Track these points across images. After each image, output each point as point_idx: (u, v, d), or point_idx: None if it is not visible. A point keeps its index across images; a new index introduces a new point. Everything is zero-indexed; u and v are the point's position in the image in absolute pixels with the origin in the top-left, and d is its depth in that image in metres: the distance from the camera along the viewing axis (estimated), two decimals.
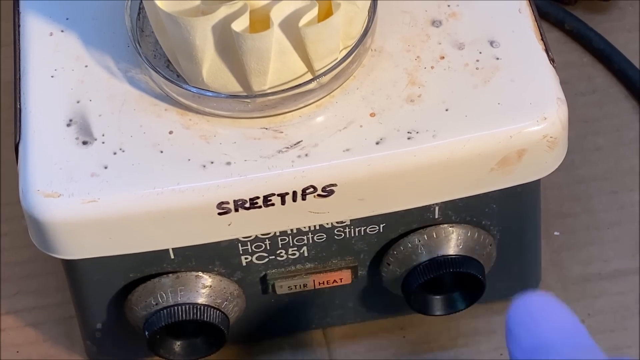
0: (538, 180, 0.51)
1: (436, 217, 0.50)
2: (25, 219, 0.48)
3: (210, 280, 0.51)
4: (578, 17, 0.65)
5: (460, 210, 0.50)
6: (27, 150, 0.48)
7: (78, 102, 0.49)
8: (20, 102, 0.49)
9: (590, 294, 0.57)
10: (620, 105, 0.63)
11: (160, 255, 0.49)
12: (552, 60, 0.50)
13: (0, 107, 0.63)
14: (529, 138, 0.48)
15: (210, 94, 0.47)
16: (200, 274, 0.50)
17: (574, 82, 0.63)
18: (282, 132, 0.47)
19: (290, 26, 0.45)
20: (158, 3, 0.45)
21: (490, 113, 0.48)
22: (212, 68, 0.46)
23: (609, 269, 0.58)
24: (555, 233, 0.59)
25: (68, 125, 0.48)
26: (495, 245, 0.52)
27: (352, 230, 0.50)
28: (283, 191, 0.47)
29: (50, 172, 0.47)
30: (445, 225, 0.51)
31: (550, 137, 0.48)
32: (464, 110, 0.48)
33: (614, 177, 0.61)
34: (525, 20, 0.50)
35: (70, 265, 0.50)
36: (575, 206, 0.60)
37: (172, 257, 0.49)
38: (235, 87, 0.47)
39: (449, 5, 0.51)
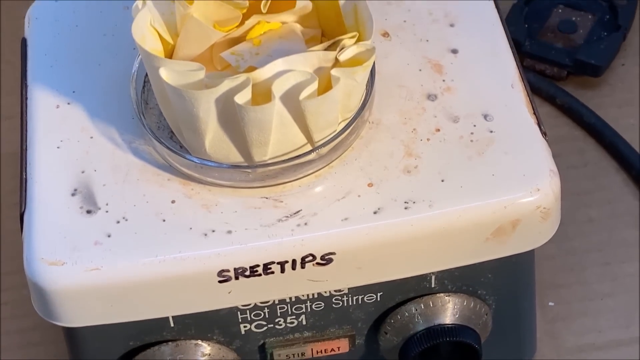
0: (532, 251, 0.52)
1: (432, 286, 0.51)
2: (29, 287, 0.48)
3: (209, 348, 0.51)
4: (569, 93, 0.66)
5: (456, 280, 0.51)
6: (32, 219, 0.49)
7: (83, 172, 0.50)
8: (26, 172, 0.50)
9: None
10: (611, 178, 0.64)
11: (160, 323, 0.50)
12: (544, 134, 0.51)
13: (0, 178, 0.64)
14: (523, 209, 0.49)
15: (212, 164, 0.48)
16: (199, 342, 0.51)
17: (566, 156, 0.64)
18: (282, 202, 0.48)
19: (291, 99, 0.46)
20: (163, 76, 0.46)
21: (484, 184, 0.49)
22: (214, 139, 0.47)
23: (603, 340, 0.59)
24: (550, 304, 0.60)
25: (73, 194, 0.49)
26: (491, 315, 0.53)
27: (350, 298, 0.51)
28: (283, 259, 0.48)
29: (54, 241, 0.48)
30: (442, 294, 0.51)
31: (544, 208, 0.49)
32: (460, 181, 0.49)
33: (606, 249, 0.62)
34: (517, 95, 0.52)
35: (72, 333, 0.51)
36: (569, 277, 0.61)
37: (172, 325, 0.50)
38: (236, 158, 0.48)
39: (443, 80, 0.52)
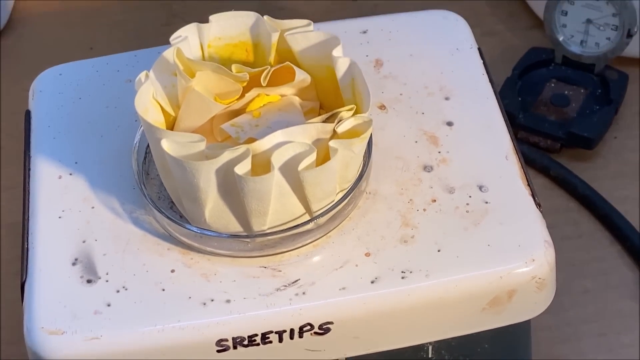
0: (528, 321, 0.52)
1: (430, 355, 0.51)
2: (29, 356, 0.49)
3: None
4: (563, 165, 0.67)
5: (453, 350, 0.51)
6: (33, 288, 0.49)
7: (84, 241, 0.50)
8: (27, 241, 0.51)
9: None
10: (605, 250, 0.65)
11: None
12: (538, 205, 0.52)
13: (1, 248, 0.64)
14: (518, 279, 0.49)
15: (211, 233, 0.49)
16: None
17: (560, 227, 0.65)
18: (280, 271, 0.49)
19: (289, 170, 0.47)
20: (165, 147, 0.47)
21: (480, 254, 0.49)
22: (214, 209, 0.48)
23: None
24: None
25: (73, 264, 0.50)
26: None
27: None
28: (281, 329, 0.48)
29: (54, 310, 0.48)
30: None
31: (539, 278, 0.50)
32: (456, 251, 0.49)
33: (602, 320, 0.62)
34: (512, 167, 0.53)
35: None
36: (565, 348, 0.61)
37: None
38: (235, 227, 0.49)
39: (439, 152, 0.53)
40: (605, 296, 0.63)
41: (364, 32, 0.59)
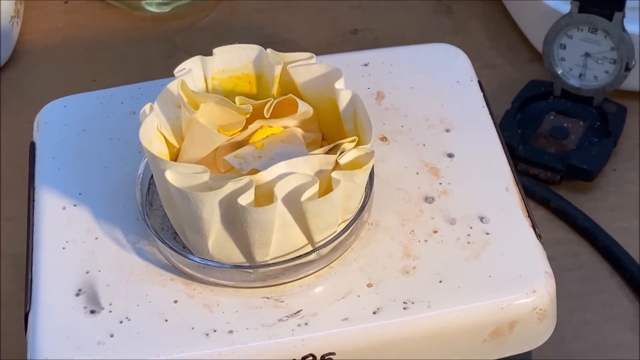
0: (529, 352, 0.52)
1: None
2: None
3: None
4: (563, 197, 0.67)
5: None
6: (37, 319, 0.49)
7: (87, 272, 0.50)
8: (31, 272, 0.51)
9: None
10: (606, 281, 0.65)
11: None
12: (539, 236, 0.52)
13: (1, 278, 0.64)
14: (520, 310, 0.50)
15: (214, 264, 0.49)
16: None
17: (560, 259, 0.65)
18: (282, 302, 0.49)
19: (292, 200, 0.47)
20: (169, 178, 0.47)
21: (481, 285, 0.50)
22: (217, 240, 0.48)
23: None
24: None
25: (77, 295, 0.50)
26: None
27: None
28: (283, 359, 0.48)
29: (58, 341, 0.48)
30: None
31: (540, 309, 0.50)
32: (457, 282, 0.50)
33: (603, 352, 0.62)
34: (512, 198, 0.53)
35: None
36: None
37: None
38: (238, 258, 0.49)
39: (440, 183, 0.54)
40: (606, 328, 0.63)
41: (366, 64, 0.59)
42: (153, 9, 0.79)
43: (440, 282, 0.50)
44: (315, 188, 0.47)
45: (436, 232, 0.52)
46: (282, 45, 0.76)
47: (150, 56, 0.77)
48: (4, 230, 0.66)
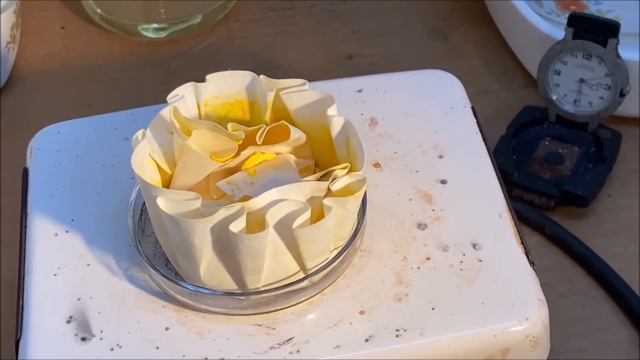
0: None
1: None
2: None
3: None
4: (557, 223, 0.67)
5: None
6: (27, 346, 0.49)
7: (79, 299, 0.50)
8: (22, 299, 0.51)
9: None
10: (600, 307, 0.65)
11: None
12: (532, 263, 0.52)
13: (0, 304, 0.64)
14: (512, 337, 0.49)
15: (206, 291, 0.49)
16: None
17: (555, 285, 0.65)
18: (274, 329, 0.49)
19: (284, 227, 0.47)
20: (160, 205, 0.47)
21: (474, 312, 0.50)
22: (209, 266, 0.48)
23: None
24: None
25: (68, 322, 0.50)
26: None
27: None
28: None
29: None
30: None
31: (533, 337, 0.50)
32: (450, 310, 0.50)
33: None
34: (505, 225, 0.53)
35: None
36: None
37: None
38: (230, 285, 0.49)
39: (433, 210, 0.54)
40: (601, 354, 0.63)
41: (359, 90, 0.59)
42: (149, 34, 0.79)
43: (433, 309, 0.50)
44: (307, 215, 0.47)
45: (429, 258, 0.51)
46: (278, 70, 0.76)
47: (146, 81, 0.77)
48: (2, 256, 0.66)
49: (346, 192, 0.48)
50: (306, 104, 0.51)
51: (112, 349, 0.48)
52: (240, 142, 0.51)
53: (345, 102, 0.57)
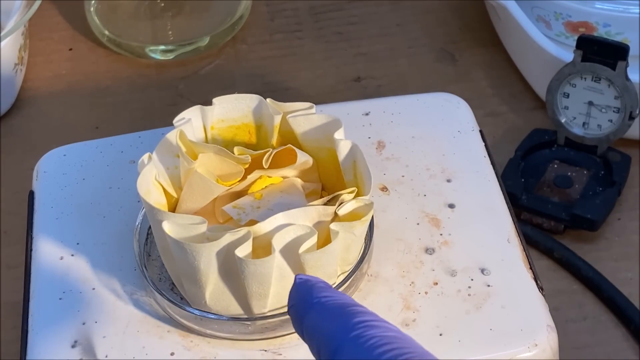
0: None
1: None
2: None
3: None
4: (566, 246, 0.67)
5: None
6: None
7: (84, 323, 0.50)
8: (27, 323, 0.51)
9: None
10: (610, 332, 0.64)
11: None
12: (540, 288, 0.51)
13: (1, 327, 0.64)
14: None
15: (212, 316, 0.49)
16: None
17: (564, 309, 0.65)
18: (280, 355, 0.49)
19: (290, 252, 0.47)
20: (166, 229, 0.47)
21: (482, 339, 0.49)
22: (214, 291, 0.48)
23: None
24: None
25: (73, 346, 0.49)
26: None
27: None
28: None
29: None
30: None
31: None
32: (458, 336, 0.49)
33: None
34: (514, 250, 0.53)
35: None
36: None
37: None
38: (236, 310, 0.49)
39: (441, 234, 0.53)
40: None
41: (367, 114, 0.59)
42: (157, 56, 0.79)
43: (441, 335, 0.49)
44: (313, 240, 0.47)
45: (436, 283, 0.51)
46: (285, 92, 0.76)
47: (153, 103, 0.77)
48: (4, 279, 0.66)
49: (353, 216, 0.48)
50: (313, 127, 0.51)
51: None
52: (247, 165, 0.51)
53: (352, 125, 0.57)
